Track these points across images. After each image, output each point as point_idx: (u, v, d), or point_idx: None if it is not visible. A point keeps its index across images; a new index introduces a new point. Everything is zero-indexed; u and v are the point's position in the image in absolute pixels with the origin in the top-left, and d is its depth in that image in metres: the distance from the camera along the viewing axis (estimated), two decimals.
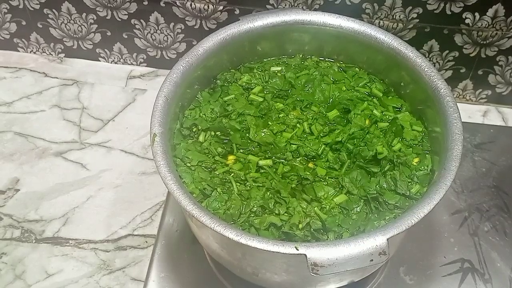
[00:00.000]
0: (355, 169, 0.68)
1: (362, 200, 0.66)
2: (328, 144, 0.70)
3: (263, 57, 0.80)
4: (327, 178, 0.68)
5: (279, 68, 0.78)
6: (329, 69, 0.79)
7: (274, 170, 0.68)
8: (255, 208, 0.65)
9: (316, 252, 0.55)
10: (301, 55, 0.80)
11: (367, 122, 0.73)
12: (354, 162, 0.69)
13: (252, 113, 0.73)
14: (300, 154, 0.70)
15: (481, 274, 0.81)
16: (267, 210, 0.65)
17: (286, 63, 0.79)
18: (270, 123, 0.72)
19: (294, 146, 0.70)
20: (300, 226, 0.63)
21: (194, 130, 0.72)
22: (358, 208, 0.65)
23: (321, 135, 0.71)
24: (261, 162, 0.69)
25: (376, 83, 0.77)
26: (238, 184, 0.67)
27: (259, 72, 0.78)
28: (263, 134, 0.71)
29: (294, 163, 0.69)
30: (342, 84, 0.77)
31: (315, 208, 0.65)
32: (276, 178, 0.67)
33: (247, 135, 0.71)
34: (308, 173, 0.68)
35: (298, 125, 0.73)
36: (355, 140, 0.71)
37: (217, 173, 0.68)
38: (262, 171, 0.68)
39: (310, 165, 0.69)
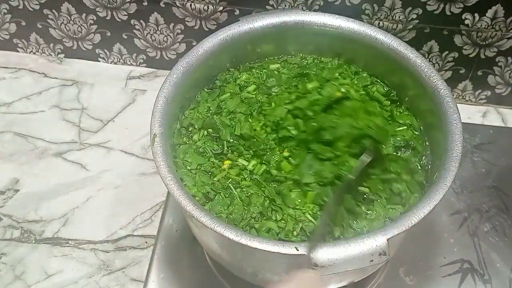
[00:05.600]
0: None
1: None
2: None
3: (263, 57, 0.79)
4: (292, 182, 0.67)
5: (277, 66, 0.78)
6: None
7: (261, 174, 0.67)
8: (254, 214, 0.65)
9: (317, 252, 0.55)
10: (300, 55, 0.80)
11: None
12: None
13: (243, 111, 0.73)
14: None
15: (481, 275, 0.81)
16: (265, 217, 0.65)
17: (286, 63, 0.79)
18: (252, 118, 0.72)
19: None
20: (295, 233, 0.63)
21: (190, 129, 0.72)
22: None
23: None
24: (249, 166, 0.68)
25: (376, 84, 0.77)
26: (238, 190, 0.66)
27: (257, 71, 0.77)
28: (246, 128, 0.71)
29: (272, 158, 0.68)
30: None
31: (305, 214, 0.64)
32: (266, 187, 0.66)
33: (235, 131, 0.71)
34: (280, 173, 0.67)
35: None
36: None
37: (216, 179, 0.67)
38: (254, 177, 0.68)
39: (285, 153, 0.68)
